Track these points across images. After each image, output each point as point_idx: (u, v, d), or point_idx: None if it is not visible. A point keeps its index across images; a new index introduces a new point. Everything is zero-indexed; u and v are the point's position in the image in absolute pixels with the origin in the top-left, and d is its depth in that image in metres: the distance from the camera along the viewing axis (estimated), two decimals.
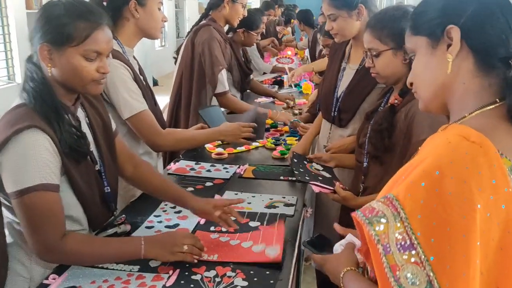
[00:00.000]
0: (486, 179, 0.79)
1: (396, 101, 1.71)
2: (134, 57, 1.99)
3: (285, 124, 3.02)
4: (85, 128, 1.48)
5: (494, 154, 0.81)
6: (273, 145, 2.66)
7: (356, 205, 1.79)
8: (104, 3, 1.83)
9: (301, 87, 4.43)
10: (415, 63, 0.98)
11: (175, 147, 2.08)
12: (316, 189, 1.78)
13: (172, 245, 1.39)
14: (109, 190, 1.53)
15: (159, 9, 1.92)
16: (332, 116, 2.20)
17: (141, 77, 1.96)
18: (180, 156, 2.48)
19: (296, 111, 3.58)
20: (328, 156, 2.08)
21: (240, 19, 2.95)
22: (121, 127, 1.87)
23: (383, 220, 0.82)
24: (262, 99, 4.06)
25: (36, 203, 1.26)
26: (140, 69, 2.00)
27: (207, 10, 2.96)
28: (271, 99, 4.05)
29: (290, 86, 4.57)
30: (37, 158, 1.26)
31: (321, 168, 1.96)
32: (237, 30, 3.44)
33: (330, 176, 1.91)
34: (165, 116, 2.94)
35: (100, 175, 1.51)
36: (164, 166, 2.48)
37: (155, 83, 9.96)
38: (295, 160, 2.01)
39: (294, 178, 2.05)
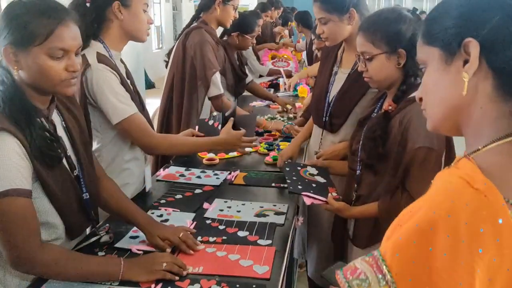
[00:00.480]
0: (488, 237, 0.67)
1: (390, 107, 1.65)
2: (121, 61, 1.93)
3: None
4: (61, 133, 1.43)
5: (500, 207, 0.68)
6: (266, 151, 2.61)
7: (350, 216, 1.74)
8: (87, 4, 1.77)
9: (296, 91, 4.38)
10: (425, 77, 0.85)
11: (170, 150, 2.02)
12: (308, 201, 1.72)
13: (151, 264, 1.34)
14: (87, 197, 1.47)
15: (145, 10, 1.86)
16: (323, 121, 2.14)
17: (129, 81, 1.90)
18: (171, 161, 2.43)
19: (291, 115, 3.53)
20: (321, 163, 2.02)
21: (232, 20, 2.89)
22: (108, 132, 1.81)
23: (364, 285, 0.72)
24: (258, 103, 4.01)
25: (6, 209, 1.20)
26: (127, 73, 1.94)
27: (198, 12, 2.90)
28: (266, 102, 4.00)
29: (285, 89, 4.51)
30: (6, 162, 1.20)
31: (315, 172, 1.91)
32: (232, 34, 3.39)
33: (324, 181, 1.86)
34: (156, 121, 2.90)
35: (79, 181, 1.45)
36: (155, 172, 2.41)
37: (152, 85, 9.92)
38: (287, 169, 1.95)
39: (285, 185, 1.99)
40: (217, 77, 2.75)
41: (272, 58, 5.58)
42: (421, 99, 0.86)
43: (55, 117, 1.44)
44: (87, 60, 1.73)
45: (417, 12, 1.74)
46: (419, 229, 0.69)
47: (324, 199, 1.71)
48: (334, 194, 1.76)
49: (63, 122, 1.46)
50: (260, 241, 1.59)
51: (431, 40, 0.82)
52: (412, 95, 1.65)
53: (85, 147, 1.53)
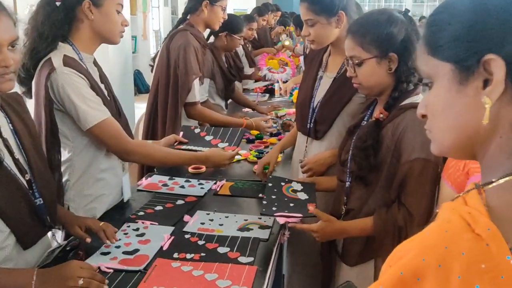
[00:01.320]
0: None
1: (381, 115, 1.54)
2: (95, 64, 1.83)
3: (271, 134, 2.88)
4: (7, 135, 1.33)
5: (504, 260, 0.55)
6: (255, 158, 2.50)
7: (336, 230, 1.60)
8: (57, 3, 1.66)
9: (292, 95, 4.27)
10: (432, 96, 0.70)
11: (148, 159, 1.88)
12: (281, 221, 1.60)
13: (67, 279, 1.21)
14: (41, 202, 1.36)
15: (118, 12, 1.75)
16: (307, 128, 2.03)
17: (102, 86, 1.79)
18: (155, 170, 2.32)
19: (285, 119, 3.42)
20: (308, 180, 1.91)
21: (221, 22, 2.78)
22: (79, 139, 1.70)
23: None
24: (250, 109, 3.90)
25: None
26: (102, 76, 1.83)
27: (185, 14, 2.79)
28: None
29: (281, 94, 4.41)
30: None
31: (299, 188, 1.79)
32: (219, 34, 3.28)
33: (306, 197, 1.73)
34: (141, 128, 2.79)
35: (30, 185, 1.35)
36: (137, 181, 2.30)
37: (149, 89, 9.82)
38: (270, 184, 1.82)
39: None
40: (195, 83, 2.63)
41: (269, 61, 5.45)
42: (423, 116, 0.73)
43: (1, 119, 1.35)
44: (52, 64, 1.62)
45: (409, 14, 1.64)
46: (403, 278, 0.58)
47: (298, 215, 1.59)
48: (311, 208, 1.63)
49: (10, 124, 1.36)
50: (241, 259, 1.47)
51: (439, 52, 0.67)
52: (404, 102, 1.54)
53: (36, 149, 1.43)
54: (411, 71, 1.54)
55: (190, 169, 2.31)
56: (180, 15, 2.87)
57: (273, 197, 1.74)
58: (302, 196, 1.74)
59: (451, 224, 0.59)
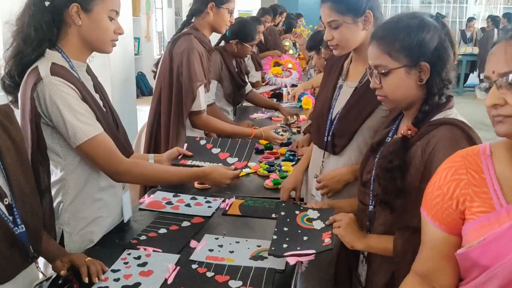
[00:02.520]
0: None
1: (409, 131, 1.38)
2: (88, 72, 1.67)
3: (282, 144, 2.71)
4: None
5: None
6: (266, 172, 2.34)
7: (364, 247, 1.44)
8: (46, 3, 1.51)
9: (301, 101, 4.11)
10: None
11: (141, 179, 1.73)
12: (292, 261, 1.39)
13: None
14: (23, 230, 1.21)
15: (112, 18, 1.59)
16: (324, 141, 1.86)
17: (97, 96, 1.63)
18: (158, 186, 2.16)
19: (295, 130, 3.26)
20: (327, 205, 1.74)
21: (227, 26, 2.61)
22: (72, 156, 1.55)
23: None
24: (258, 115, 3.75)
25: None
26: (96, 86, 1.67)
27: (189, 17, 2.62)
28: (268, 114, 3.74)
29: (289, 100, 4.25)
30: None
31: (316, 216, 1.60)
32: (230, 41, 3.13)
33: (322, 226, 1.54)
34: (143, 138, 2.63)
35: (11, 211, 1.19)
36: (140, 197, 2.15)
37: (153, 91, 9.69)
38: (282, 213, 1.63)
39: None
40: (200, 91, 2.46)
41: (275, 65, 5.30)
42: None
43: None
44: (38, 73, 1.46)
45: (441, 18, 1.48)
46: None
47: (311, 251, 1.39)
48: (327, 240, 1.44)
49: None
50: None
51: None
52: (436, 117, 1.37)
53: (23, 170, 1.27)
54: (445, 82, 1.38)
55: (196, 185, 2.15)
56: (184, 17, 2.71)
57: (285, 229, 1.55)
58: (318, 225, 1.55)
59: None
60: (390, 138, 1.51)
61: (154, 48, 11.16)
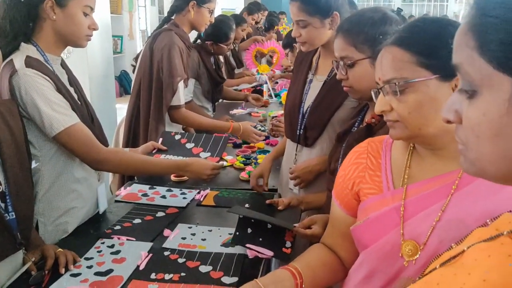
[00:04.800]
0: None
1: (373, 120, 1.43)
2: (63, 66, 1.69)
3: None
4: None
5: None
6: (242, 165, 2.38)
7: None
8: None
9: (281, 97, 4.16)
10: (478, 112, 0.56)
11: (120, 168, 1.75)
12: (251, 254, 1.45)
13: None
14: (13, 217, 1.26)
15: (86, 14, 1.62)
16: (297, 134, 1.91)
17: (72, 89, 1.66)
18: (135, 178, 2.19)
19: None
20: (296, 200, 1.79)
21: (207, 25, 2.66)
22: (47, 147, 1.57)
23: None
24: (238, 111, 3.79)
25: None
26: (71, 79, 1.70)
27: (170, 14, 2.66)
28: (247, 110, 3.79)
29: (270, 96, 4.30)
30: None
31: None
32: (206, 42, 3.18)
33: (287, 225, 1.50)
34: (121, 133, 2.65)
35: (4, 197, 1.25)
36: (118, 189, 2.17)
37: None
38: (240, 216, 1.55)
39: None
40: (180, 86, 2.50)
41: (259, 54, 5.29)
42: (449, 122, 0.61)
43: None
44: (13, 65, 1.49)
45: (402, 13, 1.53)
46: None
47: (270, 253, 1.43)
48: (288, 244, 1.46)
49: None
50: (224, 279, 1.35)
51: (499, 59, 0.53)
52: None
53: (19, 160, 1.33)
54: None
55: (172, 177, 2.19)
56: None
57: (253, 221, 1.58)
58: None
59: None
60: (356, 128, 1.56)
61: (137, 46, 11.11)
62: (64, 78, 1.66)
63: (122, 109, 4.80)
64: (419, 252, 0.96)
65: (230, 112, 3.74)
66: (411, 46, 0.98)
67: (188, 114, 2.60)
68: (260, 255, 1.44)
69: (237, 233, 1.48)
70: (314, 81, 1.93)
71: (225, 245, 1.56)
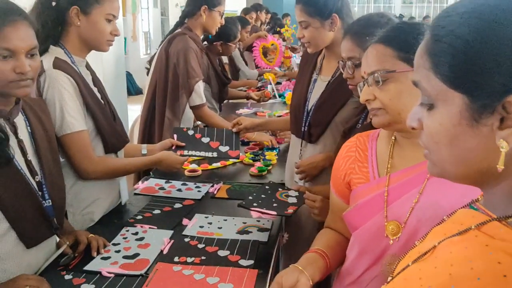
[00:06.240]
0: None
1: None
2: (88, 68, 1.82)
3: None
4: (24, 136, 1.38)
5: None
6: (251, 161, 2.51)
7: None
8: (53, 3, 1.67)
9: (285, 97, 4.28)
10: (435, 122, 0.63)
11: (106, 176, 1.82)
12: (255, 215, 1.65)
13: None
14: (49, 204, 1.39)
15: (109, 20, 1.73)
16: (302, 131, 2.04)
17: (95, 89, 1.79)
18: (151, 173, 2.31)
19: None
20: (304, 189, 1.89)
21: (218, 27, 2.79)
22: None
23: None
24: (244, 110, 3.91)
25: None
26: (95, 80, 1.82)
27: (182, 18, 2.80)
28: (253, 109, 3.91)
29: (274, 96, 4.42)
30: None
31: (294, 195, 1.78)
32: (214, 43, 3.32)
33: (294, 201, 1.73)
34: (137, 129, 2.78)
35: (41, 187, 1.38)
36: (134, 184, 2.29)
37: (140, 91, 9.78)
38: (267, 187, 1.83)
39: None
40: (200, 86, 2.65)
41: (264, 50, 5.41)
42: (414, 128, 0.69)
43: (20, 121, 1.39)
44: (42, 66, 1.62)
45: (404, 19, 1.66)
46: None
47: (273, 212, 1.63)
48: (290, 211, 1.65)
49: (28, 127, 1.41)
50: (241, 262, 1.48)
51: (450, 78, 0.60)
52: None
53: (52, 154, 1.47)
54: None
55: (186, 172, 2.31)
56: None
57: (263, 196, 1.75)
58: (291, 200, 1.74)
59: (504, 265, 0.56)
60: (360, 125, 1.69)
61: (140, 48, 11.26)
62: (89, 79, 1.79)
63: (128, 109, 4.93)
64: (401, 231, 1.10)
65: (237, 112, 3.86)
66: (393, 43, 1.12)
67: (211, 113, 2.75)
68: (264, 216, 1.63)
69: (243, 202, 1.68)
70: (318, 81, 2.06)
71: (240, 232, 1.69)
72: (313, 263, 1.21)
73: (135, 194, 2.06)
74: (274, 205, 1.68)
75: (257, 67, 5.31)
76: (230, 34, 3.32)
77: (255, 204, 1.66)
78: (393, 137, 1.19)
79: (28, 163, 1.36)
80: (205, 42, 3.36)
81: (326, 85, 2.00)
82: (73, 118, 1.64)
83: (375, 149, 1.23)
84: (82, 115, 1.69)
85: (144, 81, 9.70)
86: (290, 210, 1.63)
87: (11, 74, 1.26)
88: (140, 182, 2.20)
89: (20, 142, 1.35)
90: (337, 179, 1.29)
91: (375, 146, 1.23)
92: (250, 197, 1.72)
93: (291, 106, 2.21)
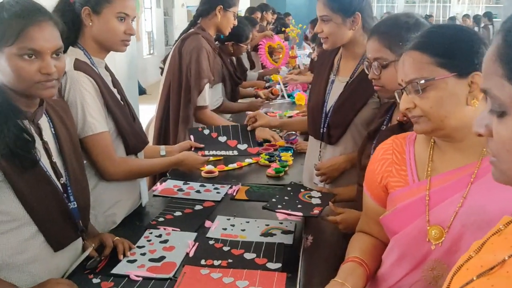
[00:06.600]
0: None
1: (404, 118, 1.54)
2: (107, 69, 1.80)
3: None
4: (48, 138, 1.36)
5: None
6: (267, 162, 2.49)
7: (355, 220, 1.59)
8: (72, 3, 1.66)
9: (294, 98, 4.27)
10: (506, 129, 0.62)
11: (128, 177, 1.80)
12: (280, 216, 1.64)
13: None
14: (75, 206, 1.38)
15: (122, 19, 1.70)
16: (320, 132, 2.02)
17: (115, 90, 1.77)
18: (167, 174, 2.30)
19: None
20: (326, 190, 1.87)
21: (231, 27, 2.78)
22: None
23: None
24: None
25: None
26: (114, 81, 1.81)
27: (196, 17, 2.79)
28: (263, 110, 3.87)
29: (283, 96, 4.41)
30: None
31: (317, 196, 1.77)
32: (226, 43, 3.30)
33: (319, 202, 1.71)
34: (151, 129, 2.77)
35: (66, 189, 1.37)
36: (151, 186, 2.28)
37: (143, 91, 9.76)
38: (289, 189, 1.81)
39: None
40: (206, 88, 2.63)
41: (269, 49, 5.40)
42: (480, 135, 0.67)
43: (44, 122, 1.38)
44: None
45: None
46: None
47: (299, 214, 1.61)
48: (316, 211, 1.63)
49: (52, 129, 1.40)
50: (269, 265, 1.47)
51: None
52: None
53: (75, 156, 1.46)
54: None
55: (203, 174, 2.30)
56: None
57: (286, 198, 1.73)
58: (315, 201, 1.73)
59: None
60: (385, 126, 1.67)
61: (143, 48, 11.24)
62: (108, 80, 1.77)
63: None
64: (445, 236, 1.08)
65: (247, 112, 3.85)
66: (429, 49, 1.10)
67: (213, 115, 2.72)
68: (289, 217, 1.61)
69: (268, 204, 1.65)
70: (336, 81, 2.04)
71: (264, 234, 1.67)
72: (353, 273, 1.19)
73: (154, 195, 2.05)
74: (299, 206, 1.66)
75: (263, 66, 5.29)
76: (242, 35, 3.32)
77: (279, 206, 1.64)
78: (432, 140, 1.18)
79: (53, 165, 1.35)
80: (217, 42, 3.35)
81: (344, 86, 1.99)
82: (95, 120, 1.63)
83: (413, 152, 1.21)
84: (104, 116, 1.67)
85: (147, 82, 9.68)
86: (316, 211, 1.62)
87: (36, 75, 1.25)
88: (157, 183, 2.18)
89: (45, 144, 1.34)
90: (373, 182, 1.27)
91: (413, 149, 1.21)
92: (274, 199, 1.70)
93: (308, 108, 2.20)
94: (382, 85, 1.57)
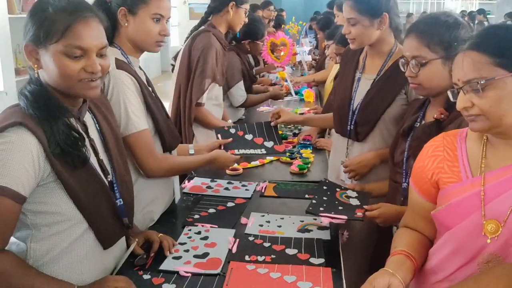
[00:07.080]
0: None
1: (442, 115, 1.57)
2: (140, 68, 1.82)
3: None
4: (94, 135, 1.37)
5: None
6: (289, 159, 2.52)
7: (392, 214, 1.62)
8: (109, 4, 1.68)
9: (302, 95, 4.30)
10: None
11: (168, 173, 1.84)
12: (326, 220, 1.63)
13: None
14: (122, 203, 1.39)
15: (157, 20, 1.71)
16: (348, 130, 2.05)
17: (150, 89, 1.79)
18: (193, 172, 2.31)
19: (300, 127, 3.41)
20: (359, 187, 1.89)
21: (241, 25, 2.78)
22: None
23: None
24: (265, 108, 3.91)
25: None
26: (148, 80, 1.82)
27: (207, 14, 2.76)
28: (273, 107, 3.92)
29: (290, 93, 4.43)
30: (15, 159, 1.14)
31: (354, 195, 1.79)
32: (243, 42, 3.31)
33: (358, 203, 1.72)
34: None
35: (112, 186, 1.38)
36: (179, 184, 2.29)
37: None
38: (324, 187, 1.83)
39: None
40: (209, 87, 2.64)
41: (271, 46, 5.40)
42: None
43: (89, 120, 1.38)
44: None
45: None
46: None
47: (344, 217, 1.60)
48: (359, 214, 1.64)
49: (97, 125, 1.40)
50: (312, 260, 1.50)
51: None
52: None
53: (119, 153, 1.47)
54: None
55: (228, 171, 2.31)
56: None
57: (324, 198, 1.75)
58: (354, 202, 1.74)
59: None
60: (418, 124, 1.70)
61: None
62: (143, 79, 1.79)
63: None
64: (501, 230, 1.11)
65: (257, 109, 3.87)
66: (487, 49, 1.12)
67: (208, 113, 2.70)
68: (334, 221, 1.61)
69: (310, 208, 1.65)
70: (362, 79, 2.07)
71: (300, 230, 1.70)
72: (402, 265, 1.22)
73: (184, 193, 2.06)
74: (340, 208, 1.67)
75: (264, 63, 5.30)
76: (258, 33, 3.33)
77: (321, 209, 1.65)
78: (484, 137, 1.21)
79: (100, 162, 1.35)
80: (233, 41, 3.36)
81: (371, 84, 2.02)
82: (137, 117, 1.64)
83: (465, 148, 1.24)
84: (144, 114, 1.69)
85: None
86: (359, 214, 1.63)
87: (81, 73, 1.22)
88: (186, 181, 2.20)
89: (91, 141, 1.34)
90: (422, 178, 1.29)
91: (464, 146, 1.24)
92: (314, 201, 1.70)
93: (334, 106, 2.22)
94: (419, 83, 1.59)
